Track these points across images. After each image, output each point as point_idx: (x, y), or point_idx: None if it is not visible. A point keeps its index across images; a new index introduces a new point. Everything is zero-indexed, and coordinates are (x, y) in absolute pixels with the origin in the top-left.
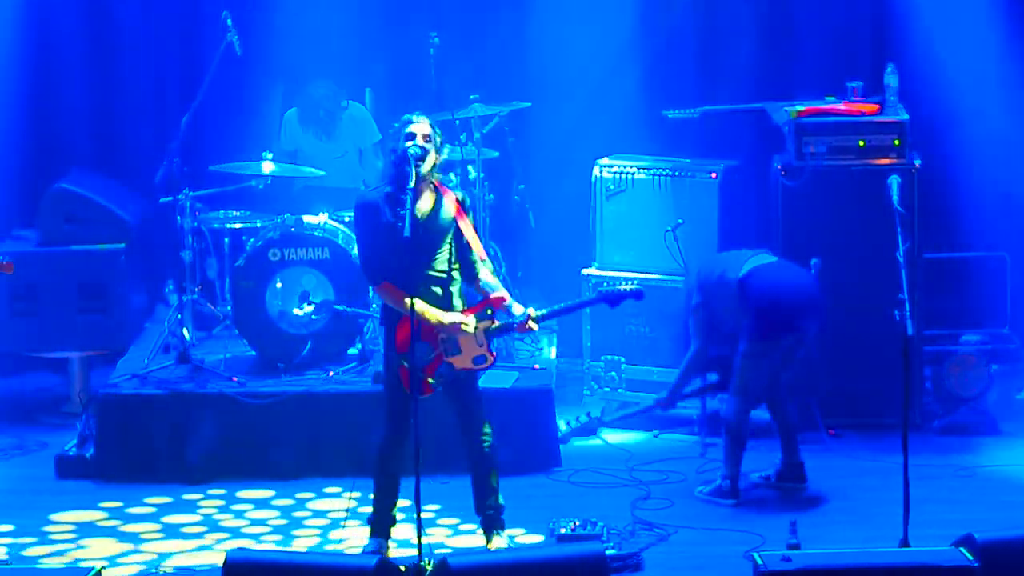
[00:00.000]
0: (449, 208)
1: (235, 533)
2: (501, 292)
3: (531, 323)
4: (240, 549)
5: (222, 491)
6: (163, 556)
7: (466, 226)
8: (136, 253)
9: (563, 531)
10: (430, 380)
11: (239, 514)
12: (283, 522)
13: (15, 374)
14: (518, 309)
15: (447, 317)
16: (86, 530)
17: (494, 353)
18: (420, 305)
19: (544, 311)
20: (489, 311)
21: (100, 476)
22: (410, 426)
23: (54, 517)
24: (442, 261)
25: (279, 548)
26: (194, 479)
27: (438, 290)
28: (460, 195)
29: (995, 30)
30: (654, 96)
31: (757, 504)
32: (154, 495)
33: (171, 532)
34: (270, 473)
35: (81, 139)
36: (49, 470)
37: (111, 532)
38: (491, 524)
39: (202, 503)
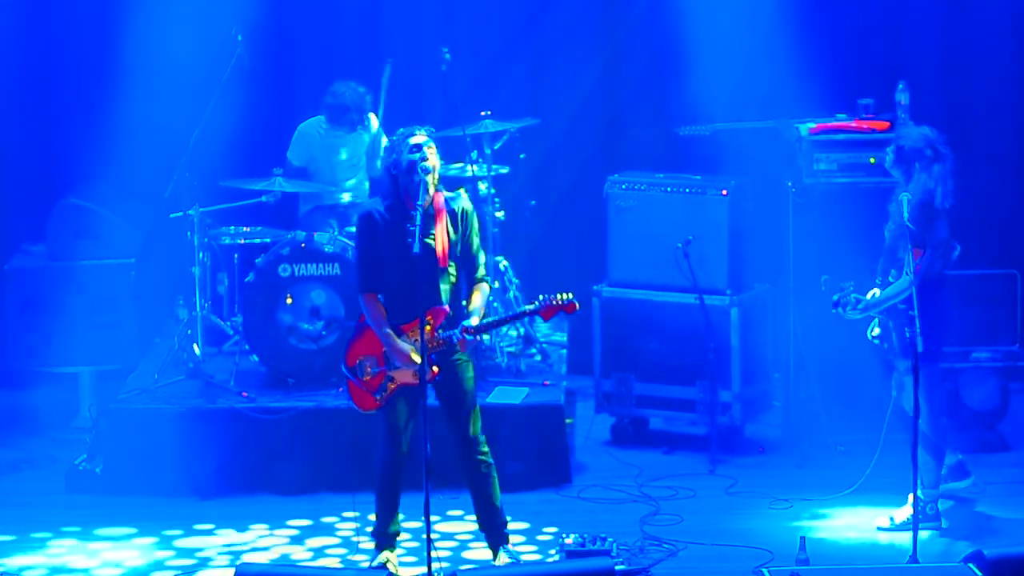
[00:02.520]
0: (446, 218)
1: (245, 548)
2: (444, 306)
3: (465, 335)
4: (248, 564)
5: (231, 506)
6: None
7: (460, 235)
8: (146, 268)
9: (572, 546)
10: (376, 396)
11: (247, 529)
12: (292, 535)
13: (25, 388)
14: (473, 324)
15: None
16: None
17: (437, 367)
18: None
19: (479, 323)
20: (429, 322)
21: (110, 491)
22: (407, 442)
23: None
24: (434, 266)
25: (287, 563)
26: (203, 494)
27: (427, 292)
28: (463, 204)
29: (1007, 48)
30: (665, 113)
31: (765, 519)
32: (163, 510)
33: (180, 547)
34: (279, 488)
35: (91, 153)
36: (59, 484)
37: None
38: (496, 540)
39: (210, 518)
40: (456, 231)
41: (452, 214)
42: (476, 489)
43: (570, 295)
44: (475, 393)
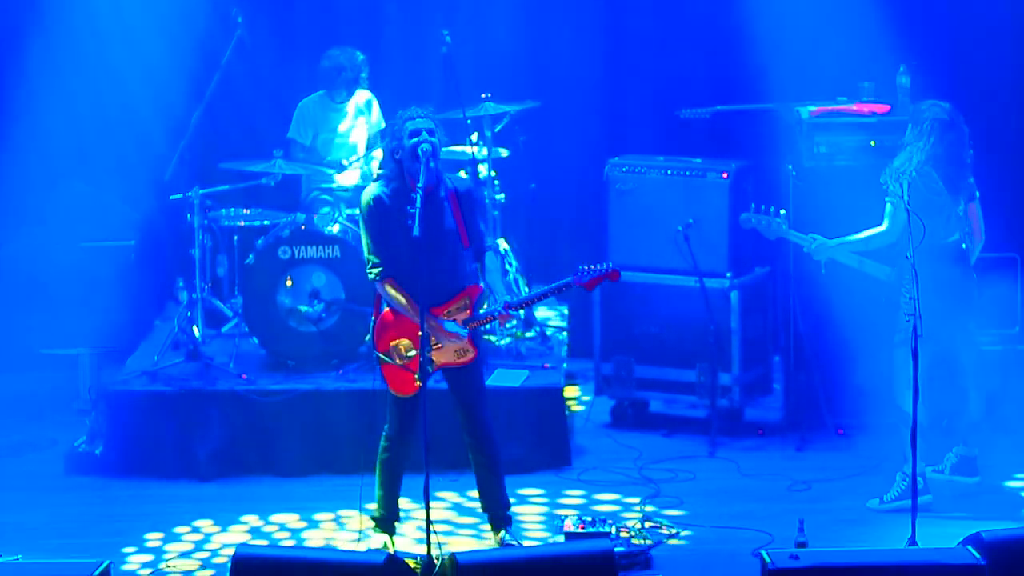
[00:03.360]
0: (456, 197)
1: (243, 531)
2: (479, 284)
3: (508, 311)
4: (247, 546)
5: (230, 488)
6: (171, 555)
7: (470, 214)
8: (146, 250)
9: (572, 529)
10: (416, 374)
11: (246, 511)
12: (291, 518)
13: (25, 370)
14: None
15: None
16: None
17: (477, 347)
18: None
19: (519, 298)
20: (467, 302)
21: (109, 472)
22: (411, 424)
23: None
24: (457, 252)
25: (286, 545)
26: (203, 476)
27: (445, 273)
28: (467, 184)
29: (1008, 31)
30: (666, 96)
31: (765, 502)
32: (163, 492)
33: (179, 529)
34: (279, 470)
35: (91, 135)
36: (59, 466)
37: (119, 527)
38: (498, 522)
39: (209, 500)
40: (466, 211)
41: (461, 196)
42: (481, 470)
43: (610, 263)
44: (484, 375)
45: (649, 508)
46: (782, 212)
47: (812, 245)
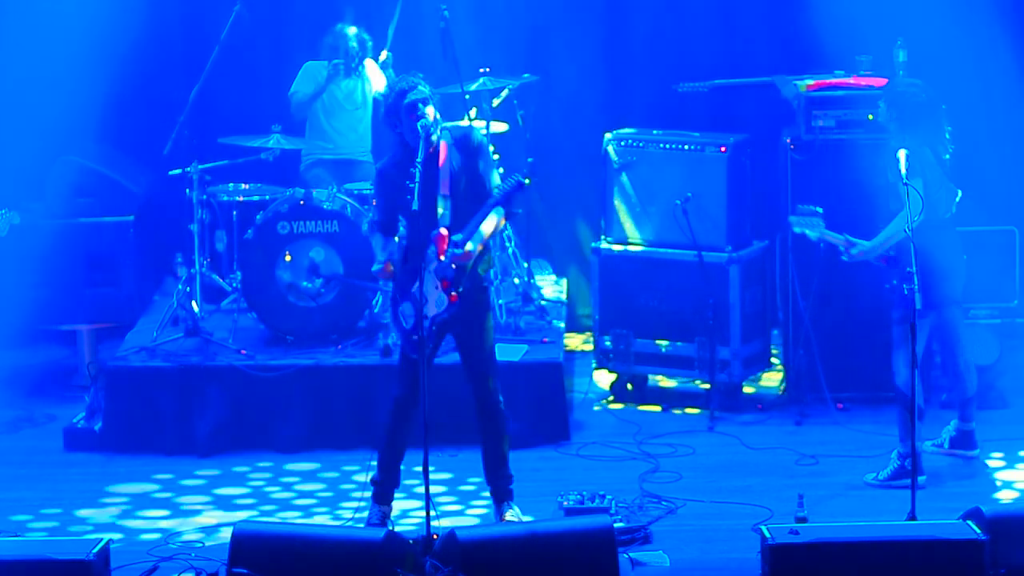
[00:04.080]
0: (455, 156)
1: (243, 506)
2: (443, 229)
3: (455, 250)
4: (247, 522)
5: (229, 464)
6: (170, 529)
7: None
8: (145, 225)
9: (571, 504)
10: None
11: (246, 487)
12: (290, 495)
13: (24, 346)
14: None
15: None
16: (92, 502)
17: (455, 293)
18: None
19: (461, 235)
20: (431, 251)
21: (108, 448)
22: (418, 389)
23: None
24: (446, 207)
25: (286, 521)
26: (202, 451)
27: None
28: (470, 137)
29: (1005, 4)
30: (664, 69)
31: (765, 477)
32: (161, 467)
33: (179, 506)
34: (278, 446)
35: (90, 111)
36: (57, 442)
37: (118, 505)
38: (501, 495)
39: (209, 475)
40: (460, 160)
41: (457, 143)
42: (487, 442)
43: (516, 176)
44: (494, 347)
45: None
46: (819, 210)
47: (853, 250)
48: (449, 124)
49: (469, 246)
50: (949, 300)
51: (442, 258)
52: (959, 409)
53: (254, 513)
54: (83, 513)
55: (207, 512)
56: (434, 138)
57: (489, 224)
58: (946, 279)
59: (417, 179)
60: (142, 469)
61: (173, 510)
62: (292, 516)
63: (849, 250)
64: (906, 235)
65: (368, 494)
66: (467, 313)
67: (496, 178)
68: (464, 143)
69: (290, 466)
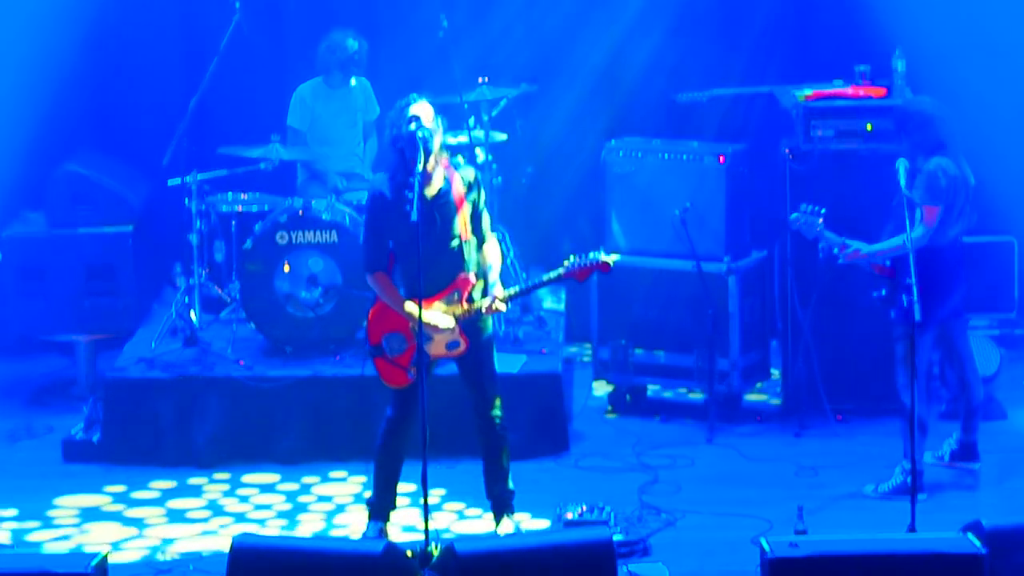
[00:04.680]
0: (458, 186)
1: (240, 518)
2: (469, 275)
3: (498, 303)
4: (246, 534)
5: (227, 475)
6: (168, 541)
7: (472, 203)
8: (143, 236)
9: (570, 516)
10: (406, 370)
11: (244, 499)
12: (288, 507)
13: (22, 357)
14: (500, 292)
15: (413, 309)
16: (90, 515)
17: (468, 338)
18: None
19: (511, 291)
20: (456, 295)
21: (107, 460)
22: (415, 408)
23: (59, 501)
24: (454, 236)
25: (285, 533)
26: (201, 463)
27: (451, 263)
28: (468, 173)
29: (1004, 14)
30: (663, 79)
31: (764, 489)
32: (159, 479)
33: (176, 517)
34: (276, 457)
35: (89, 121)
36: (56, 453)
37: (115, 516)
38: (501, 508)
39: (207, 487)
40: (469, 202)
41: (469, 186)
42: (488, 456)
43: (601, 253)
44: (494, 363)
45: None
46: (822, 211)
47: (847, 250)
48: (460, 167)
49: (503, 306)
50: (952, 312)
51: (465, 303)
52: (963, 421)
53: (253, 525)
54: (82, 525)
55: (204, 523)
56: (432, 145)
57: (496, 265)
58: (948, 291)
59: (416, 189)
60: (139, 480)
61: (169, 521)
62: (290, 528)
63: (844, 250)
64: (906, 249)
65: (365, 509)
66: (471, 333)
67: (487, 214)
68: (474, 186)
69: (288, 476)
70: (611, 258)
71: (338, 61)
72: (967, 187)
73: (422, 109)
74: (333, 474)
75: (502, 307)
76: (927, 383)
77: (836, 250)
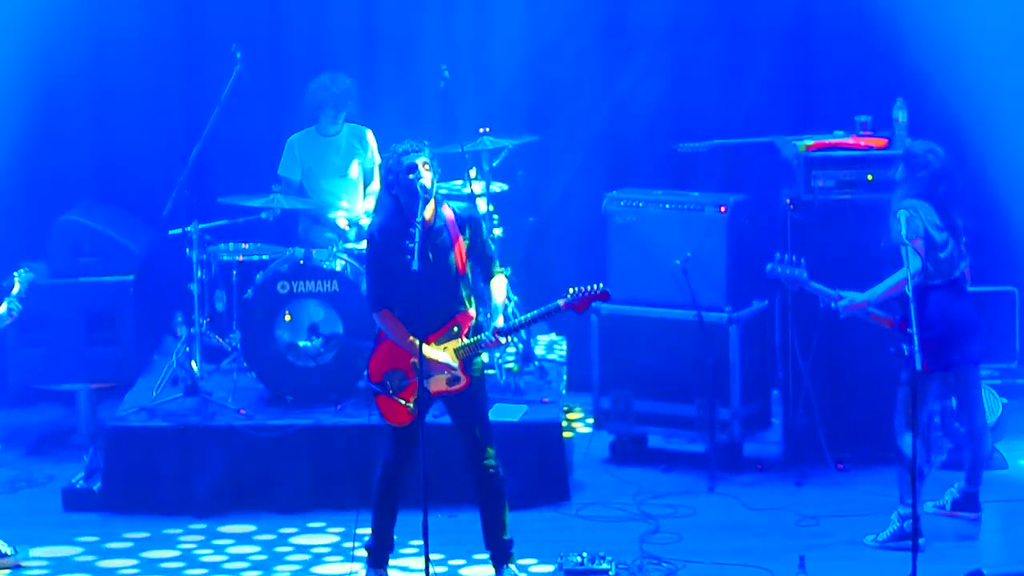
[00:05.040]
0: (452, 221)
1: (215, 569)
2: (469, 310)
3: (498, 337)
4: None
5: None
6: None
7: (469, 239)
8: (144, 285)
9: (572, 566)
10: (408, 405)
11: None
12: (292, 550)
13: (23, 406)
14: (500, 324)
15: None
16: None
17: (468, 375)
18: (409, 337)
19: (509, 324)
20: (455, 329)
21: (107, 509)
22: (413, 453)
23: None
24: (451, 272)
25: None
26: (201, 512)
27: (449, 299)
28: (465, 209)
29: (1004, 65)
30: (664, 129)
31: (765, 538)
32: (162, 527)
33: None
34: (277, 506)
35: (90, 170)
36: (56, 502)
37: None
38: (501, 559)
39: (209, 536)
40: (466, 237)
41: (461, 221)
42: (485, 505)
43: (600, 284)
44: (488, 409)
45: None
46: (801, 260)
47: (841, 302)
48: (454, 203)
49: (503, 339)
50: (968, 360)
51: (465, 338)
52: (968, 471)
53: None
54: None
55: (207, 570)
56: (429, 198)
57: (501, 295)
58: (966, 339)
59: (416, 238)
60: (142, 529)
61: (172, 571)
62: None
63: (839, 301)
64: (906, 295)
65: (360, 547)
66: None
67: (494, 248)
68: (468, 222)
69: (289, 525)
70: (607, 291)
71: (331, 97)
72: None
73: (419, 156)
74: (334, 523)
75: (502, 340)
76: (928, 432)
77: (833, 304)
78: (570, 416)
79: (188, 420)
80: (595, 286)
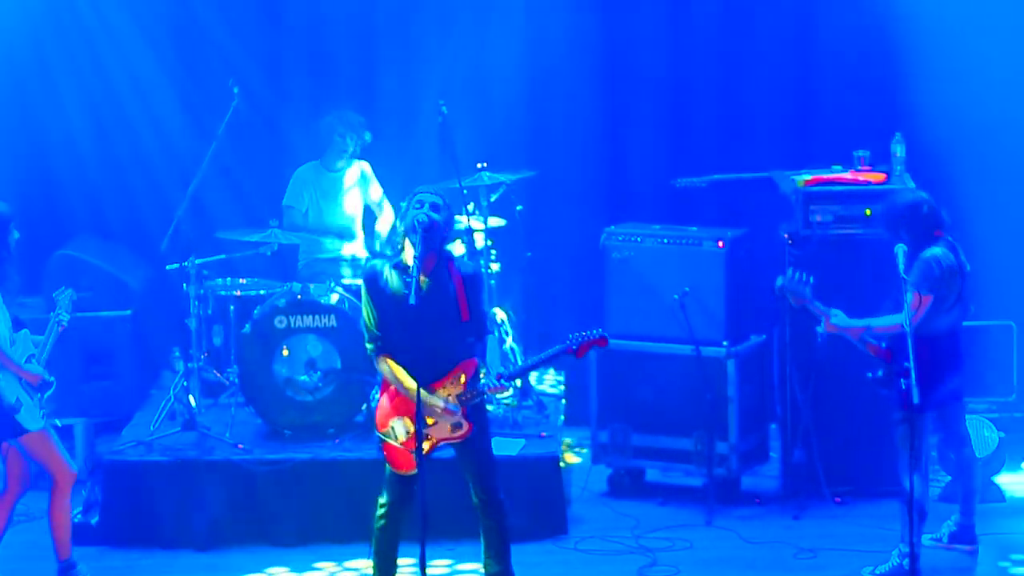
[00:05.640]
0: (456, 273)
1: None
2: (474, 358)
3: (500, 382)
4: None
5: (227, 558)
6: None
7: (473, 296)
8: (142, 320)
9: None
10: (414, 455)
11: None
12: None
13: None
14: (502, 372)
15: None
16: None
17: (471, 422)
18: (408, 382)
19: (511, 370)
20: (461, 377)
21: (105, 542)
22: (410, 495)
23: None
24: (448, 327)
25: None
26: (199, 546)
27: (452, 346)
28: (466, 267)
29: (1001, 100)
30: (662, 164)
31: (763, 572)
32: (160, 561)
33: None
34: (275, 540)
35: (87, 205)
36: None
37: None
38: None
39: (207, 570)
40: (466, 291)
41: (463, 276)
42: (488, 539)
43: (599, 330)
44: (491, 446)
45: None
46: (810, 279)
47: (832, 320)
48: (456, 260)
49: (506, 384)
50: (951, 395)
51: (466, 386)
52: (961, 504)
53: None
54: None
55: None
56: (432, 235)
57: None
58: (946, 376)
59: (414, 273)
60: (139, 563)
61: None
62: None
63: (828, 320)
64: (902, 331)
65: None
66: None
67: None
68: (472, 279)
69: (287, 560)
70: (606, 337)
71: (333, 137)
72: (963, 275)
73: (430, 198)
74: (332, 557)
75: (505, 387)
76: (927, 467)
77: (821, 321)
78: (567, 444)
79: (186, 454)
80: (593, 332)
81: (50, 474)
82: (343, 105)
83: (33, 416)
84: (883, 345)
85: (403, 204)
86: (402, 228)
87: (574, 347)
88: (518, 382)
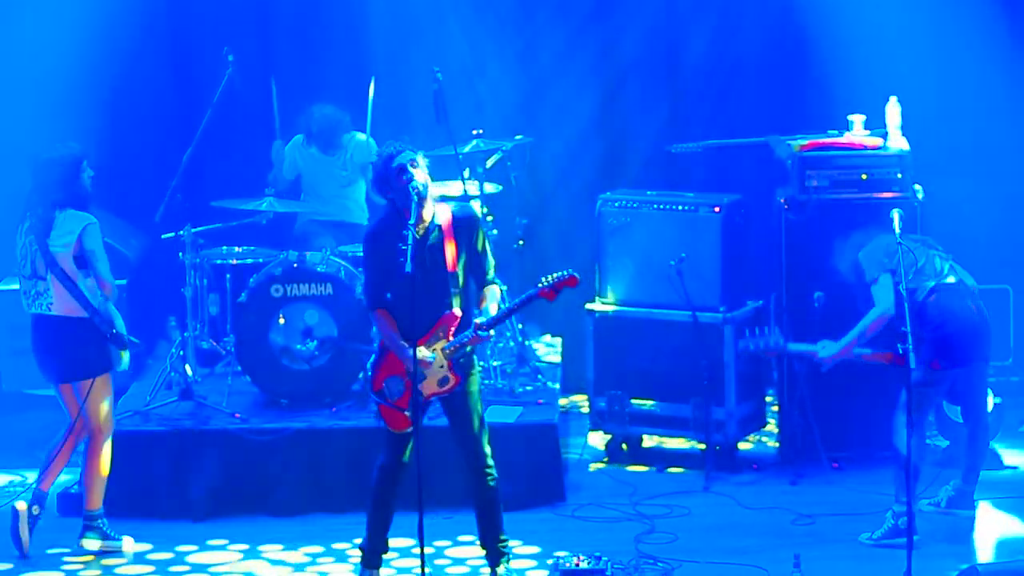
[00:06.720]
0: (445, 220)
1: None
2: (455, 311)
3: (478, 332)
4: None
5: (224, 528)
6: None
7: (468, 243)
8: (138, 289)
9: (567, 566)
10: (406, 412)
11: (241, 551)
12: (286, 556)
13: (16, 412)
14: (480, 321)
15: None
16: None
17: (458, 375)
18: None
19: (487, 317)
20: (442, 331)
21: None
22: (408, 454)
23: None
24: (442, 271)
25: None
26: (197, 516)
27: (439, 300)
28: (467, 209)
29: (997, 63)
30: (657, 130)
31: (761, 537)
32: (157, 531)
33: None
34: (273, 509)
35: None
36: (52, 507)
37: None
38: (496, 557)
39: (205, 539)
40: (462, 239)
41: (458, 222)
42: (480, 505)
43: (569, 270)
44: (483, 409)
45: None
46: (776, 330)
47: (822, 352)
48: (451, 203)
49: (485, 333)
50: (978, 358)
51: (451, 338)
52: (965, 469)
53: None
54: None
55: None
56: (426, 202)
57: (493, 306)
58: (975, 336)
59: (410, 241)
60: (136, 533)
61: (167, 574)
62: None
63: (815, 357)
64: (893, 329)
65: (359, 556)
66: (456, 371)
67: (492, 259)
68: (467, 222)
69: (284, 529)
70: (575, 276)
71: (321, 133)
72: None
73: (407, 156)
74: (329, 525)
75: (485, 336)
76: (924, 430)
77: (815, 359)
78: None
79: (183, 424)
80: (564, 272)
81: (92, 423)
82: (336, 76)
83: (120, 358)
84: (893, 351)
85: (374, 160)
86: (390, 195)
87: (546, 289)
88: (514, 342)
